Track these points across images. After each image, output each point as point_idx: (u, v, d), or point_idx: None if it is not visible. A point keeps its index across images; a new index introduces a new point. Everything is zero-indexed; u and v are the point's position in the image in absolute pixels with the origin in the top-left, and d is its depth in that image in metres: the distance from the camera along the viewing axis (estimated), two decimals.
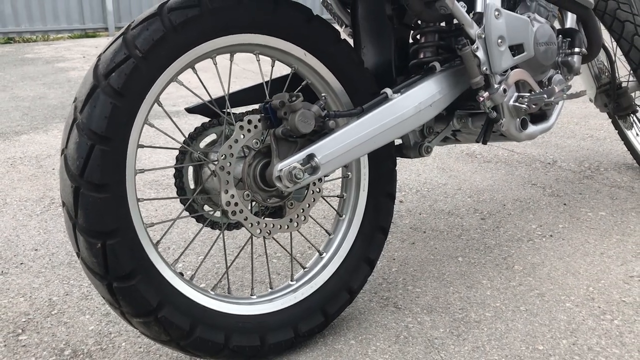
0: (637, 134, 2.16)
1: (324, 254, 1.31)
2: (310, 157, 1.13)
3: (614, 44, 1.91)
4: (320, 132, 1.17)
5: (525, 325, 1.32)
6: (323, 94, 1.27)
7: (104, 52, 1.02)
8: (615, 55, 1.94)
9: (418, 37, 1.44)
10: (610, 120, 2.22)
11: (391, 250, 1.68)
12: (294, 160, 1.11)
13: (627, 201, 2.02)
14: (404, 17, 1.43)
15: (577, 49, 1.59)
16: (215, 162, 1.10)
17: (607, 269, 1.56)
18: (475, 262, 1.62)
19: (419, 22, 1.45)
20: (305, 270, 1.30)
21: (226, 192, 1.10)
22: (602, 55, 2.03)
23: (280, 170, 1.10)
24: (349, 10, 1.46)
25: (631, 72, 1.88)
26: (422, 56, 1.42)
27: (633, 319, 1.34)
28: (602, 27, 1.90)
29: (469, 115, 1.47)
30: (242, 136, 1.11)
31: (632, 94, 2.01)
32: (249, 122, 1.12)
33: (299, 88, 1.25)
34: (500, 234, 1.79)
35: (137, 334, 1.30)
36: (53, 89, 4.30)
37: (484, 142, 1.44)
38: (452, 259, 1.64)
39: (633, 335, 1.27)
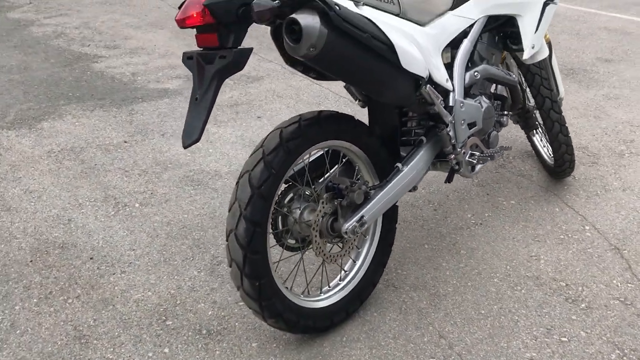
0: (540, 140, 3.07)
1: (357, 261, 2.12)
2: (362, 217, 1.90)
3: (525, 84, 2.75)
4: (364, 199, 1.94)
5: (472, 296, 2.21)
6: (357, 165, 2.03)
7: (252, 170, 1.72)
8: (525, 89, 2.77)
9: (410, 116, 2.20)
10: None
11: None
12: (353, 221, 1.88)
13: (528, 190, 2.95)
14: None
15: (505, 112, 2.42)
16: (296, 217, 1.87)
17: (516, 251, 2.48)
18: (435, 248, 2.48)
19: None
20: (346, 272, 2.10)
21: (316, 242, 1.86)
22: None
23: (346, 228, 1.87)
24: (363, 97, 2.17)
25: (536, 108, 2.73)
26: (412, 125, 2.19)
27: (532, 288, 2.27)
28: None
29: (441, 162, 2.27)
30: (322, 208, 1.87)
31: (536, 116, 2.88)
32: (326, 198, 1.87)
33: (345, 159, 2.01)
34: (448, 222, 2.66)
35: (243, 316, 2.07)
36: (30, 56, 4.62)
37: (449, 182, 2.27)
38: (421, 246, 2.50)
39: (529, 298, 2.19)
